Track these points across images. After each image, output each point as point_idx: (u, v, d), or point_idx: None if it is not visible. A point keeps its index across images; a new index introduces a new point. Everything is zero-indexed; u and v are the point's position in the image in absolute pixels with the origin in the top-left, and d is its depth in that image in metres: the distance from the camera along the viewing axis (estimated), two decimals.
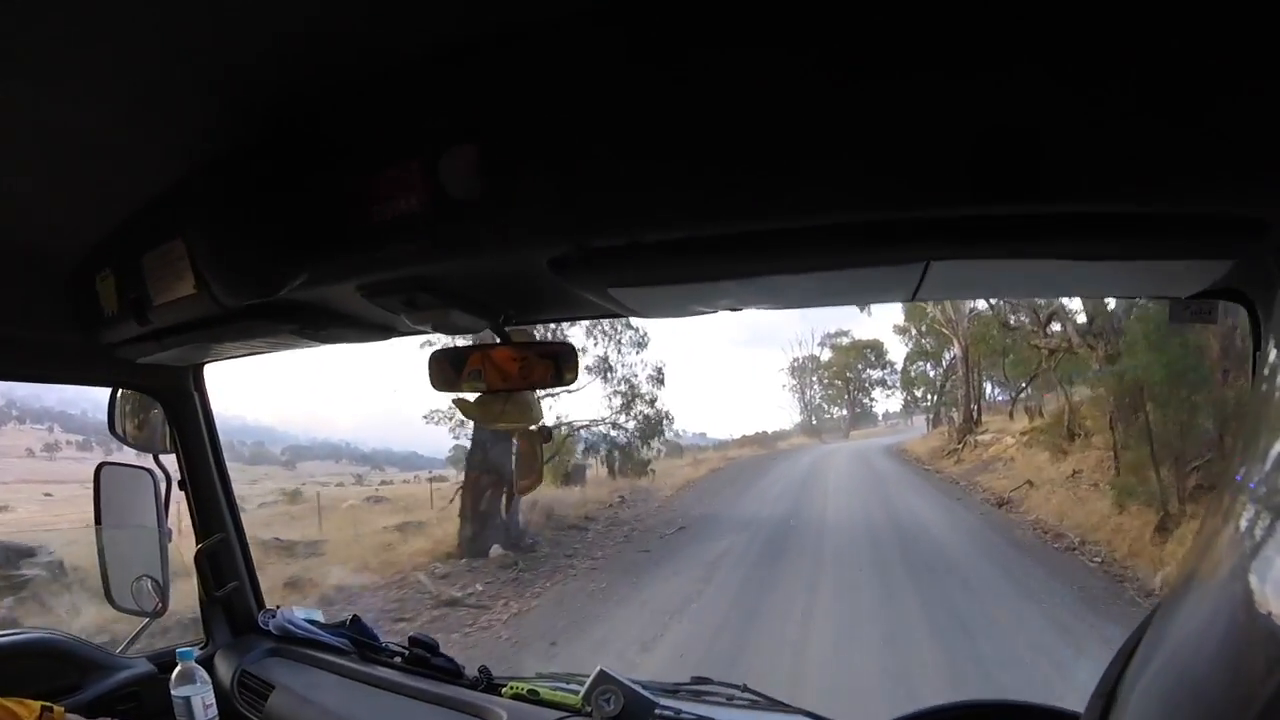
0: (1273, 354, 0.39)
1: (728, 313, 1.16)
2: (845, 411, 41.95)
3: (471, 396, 1.16)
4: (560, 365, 1.15)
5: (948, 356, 25.02)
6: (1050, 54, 0.67)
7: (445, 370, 1.17)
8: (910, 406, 31.49)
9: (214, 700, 1.57)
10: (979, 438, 19.81)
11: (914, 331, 25.92)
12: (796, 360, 42.33)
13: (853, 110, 0.71)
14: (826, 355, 40.89)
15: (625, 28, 0.76)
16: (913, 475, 18.61)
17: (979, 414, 22.80)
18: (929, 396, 27.80)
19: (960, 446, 19.56)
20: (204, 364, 1.90)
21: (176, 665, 1.54)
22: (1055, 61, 0.66)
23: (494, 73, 0.83)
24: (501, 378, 1.15)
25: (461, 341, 1.20)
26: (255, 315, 1.21)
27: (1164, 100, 0.66)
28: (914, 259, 0.86)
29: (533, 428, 1.19)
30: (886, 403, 41.15)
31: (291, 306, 1.18)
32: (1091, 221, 0.73)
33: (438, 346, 1.18)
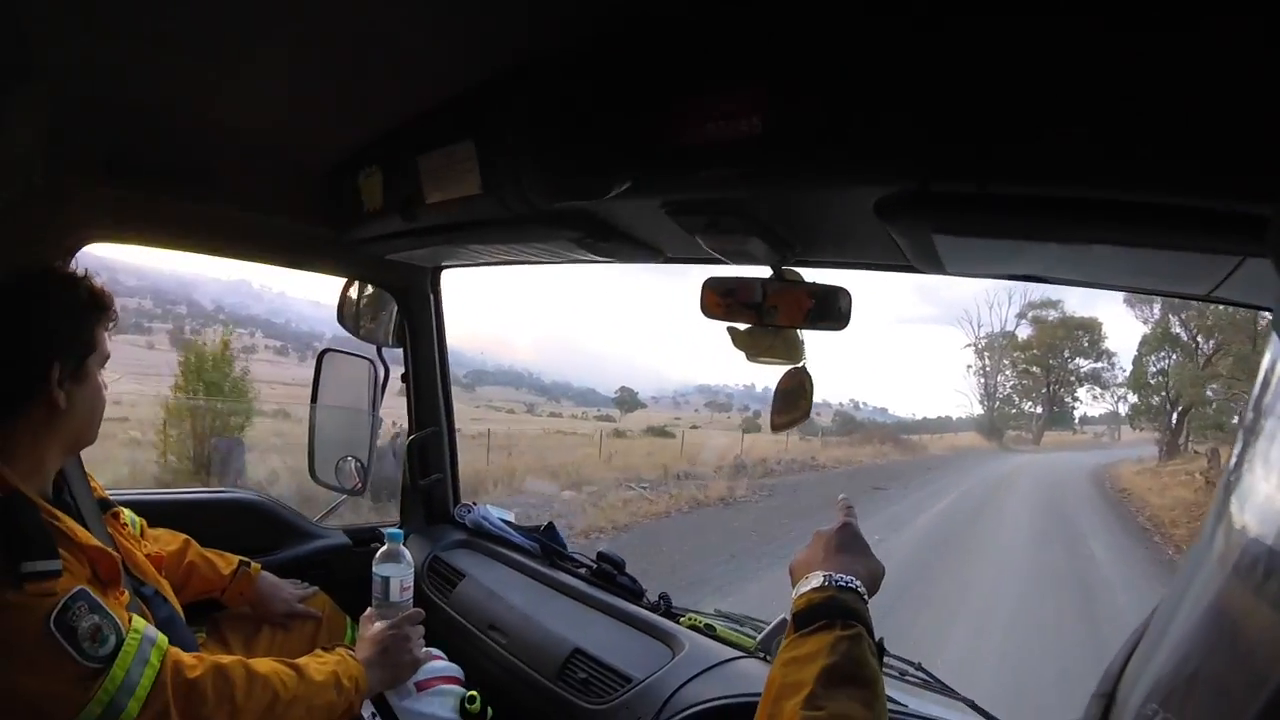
0: None
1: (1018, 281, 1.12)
2: (1040, 409, 32.39)
3: (743, 326, 1.18)
4: (834, 308, 1.15)
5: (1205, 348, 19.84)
6: None
7: (720, 299, 1.19)
8: (1139, 416, 24.16)
9: (412, 584, 1.64)
10: None
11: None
12: (983, 335, 33.09)
13: (1191, 93, 0.67)
14: (1025, 332, 32.05)
15: None
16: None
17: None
18: (1167, 407, 21.83)
19: None
20: (445, 267, 2.03)
21: (381, 543, 1.64)
22: None
23: (848, 9, 0.82)
24: (776, 315, 1.16)
25: (737, 271, 1.21)
26: (540, 221, 1.26)
27: None
28: (1231, 251, 0.81)
29: (797, 365, 1.20)
30: (1092, 405, 33.26)
31: (581, 215, 1.22)
32: None
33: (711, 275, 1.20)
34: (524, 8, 1.00)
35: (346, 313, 2.17)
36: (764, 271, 1.19)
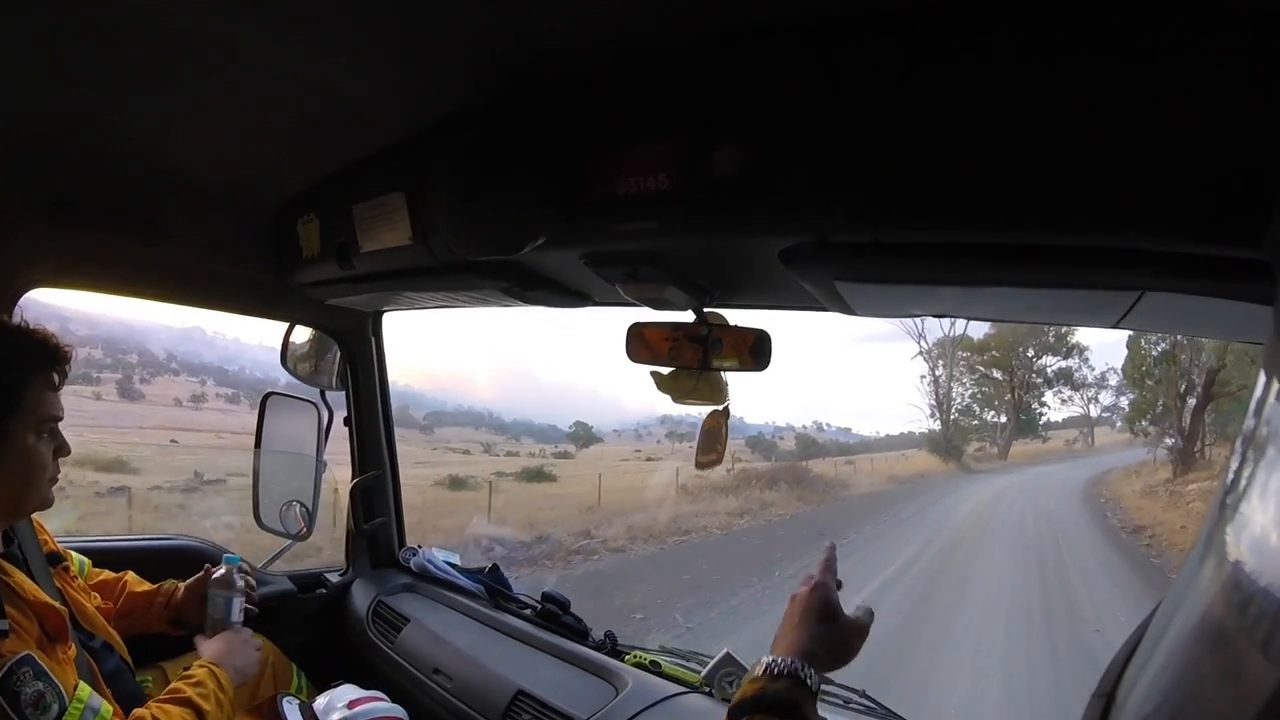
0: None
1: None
2: (1004, 418, 27.83)
3: (666, 371, 1.22)
4: (755, 351, 1.19)
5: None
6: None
7: (644, 344, 1.23)
8: (1141, 415, 19.99)
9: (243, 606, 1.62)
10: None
11: None
12: (933, 340, 27.55)
13: (1089, 133, 0.72)
14: (983, 330, 27.25)
15: (896, 36, 0.79)
16: None
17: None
18: (1176, 403, 17.71)
19: None
20: (385, 311, 2.04)
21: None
22: None
23: (755, 64, 0.87)
24: (698, 358, 1.20)
25: (663, 317, 1.25)
26: (467, 270, 1.29)
27: None
28: (1130, 287, 0.86)
29: (719, 407, 1.24)
30: (1060, 409, 29.10)
31: (506, 265, 1.26)
32: None
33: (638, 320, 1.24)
34: (449, 64, 1.04)
35: (290, 357, 2.16)
36: (686, 316, 1.24)
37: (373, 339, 2.09)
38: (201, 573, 1.62)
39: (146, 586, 1.66)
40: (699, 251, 1.07)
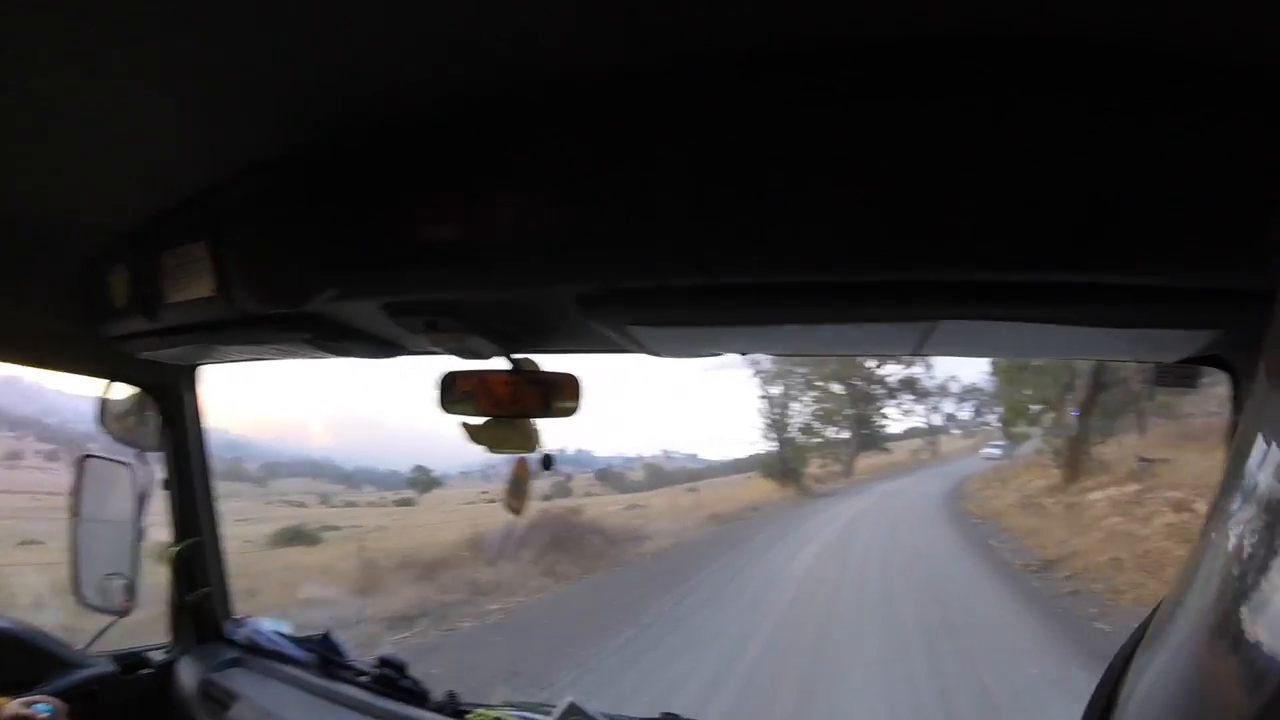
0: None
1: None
2: (848, 434, 26.18)
3: (478, 421, 1.21)
4: (565, 395, 1.20)
5: None
6: (1081, 130, 0.72)
7: (456, 393, 1.22)
8: (1018, 418, 18.08)
9: None
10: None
11: None
12: (769, 359, 23.73)
13: (870, 171, 0.76)
14: None
15: (662, 80, 0.81)
16: None
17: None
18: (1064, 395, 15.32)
19: None
20: (201, 365, 1.92)
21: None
22: (1088, 139, 0.72)
23: (534, 118, 0.89)
24: (512, 406, 1.20)
25: (473, 365, 1.24)
26: (270, 323, 1.24)
27: (1165, 174, 0.73)
28: (922, 318, 0.91)
29: (531, 455, 1.24)
30: (901, 420, 29.97)
31: (308, 317, 1.22)
32: (1099, 291, 0.79)
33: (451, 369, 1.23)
34: (254, 111, 0.99)
35: (107, 415, 1.99)
36: (503, 362, 1.24)
37: (189, 395, 1.96)
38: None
39: None
40: (496, 300, 1.07)
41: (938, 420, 29.98)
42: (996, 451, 24.49)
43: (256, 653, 1.90)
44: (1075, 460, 14.59)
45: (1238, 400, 1.26)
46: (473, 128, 0.94)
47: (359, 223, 1.00)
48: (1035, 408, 17.53)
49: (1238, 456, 0.38)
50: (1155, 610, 0.51)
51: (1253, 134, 0.71)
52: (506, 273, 0.93)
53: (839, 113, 0.76)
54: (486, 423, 1.21)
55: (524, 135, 0.91)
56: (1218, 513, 0.40)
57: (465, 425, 1.21)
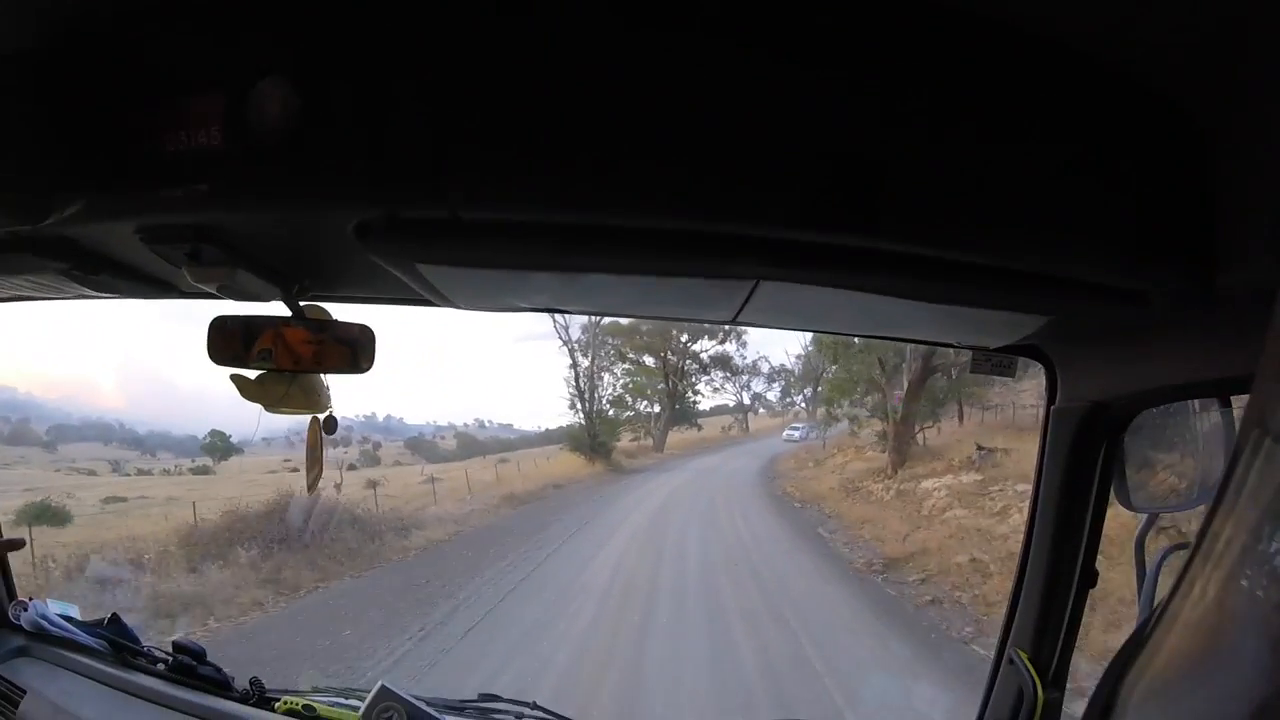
0: None
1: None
2: (657, 408, 25.47)
3: (252, 374, 1.08)
4: (357, 351, 1.09)
5: None
6: (902, 95, 0.71)
7: (230, 342, 1.08)
8: (841, 394, 17.40)
9: None
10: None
11: None
12: (580, 327, 23.79)
13: (697, 115, 0.71)
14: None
15: None
16: None
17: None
18: (878, 375, 15.03)
19: None
20: None
21: None
22: (907, 103, 0.71)
23: (319, 7, 0.78)
24: (293, 360, 1.08)
25: (251, 311, 1.11)
26: (20, 248, 1.07)
27: (1000, 157, 0.73)
28: (744, 276, 0.86)
29: (319, 416, 1.12)
30: (713, 397, 29.24)
31: (64, 244, 1.06)
32: (921, 263, 0.77)
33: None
34: None
35: None
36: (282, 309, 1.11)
37: None
38: None
39: None
40: (265, 226, 0.94)
41: (746, 399, 30.56)
42: (797, 434, 25.01)
43: (44, 640, 1.70)
44: (902, 445, 13.98)
45: (1052, 391, 1.29)
46: (230, 19, 0.81)
47: (105, 126, 0.85)
48: (859, 387, 16.82)
49: (1239, 458, 0.37)
50: (1155, 609, 0.50)
51: (1101, 133, 0.73)
52: (270, 187, 0.81)
53: (665, 43, 0.70)
54: (262, 377, 1.08)
55: (292, 27, 0.78)
56: (1219, 512, 0.39)
57: (236, 379, 1.08)
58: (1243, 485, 0.36)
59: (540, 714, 1.50)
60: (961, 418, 16.35)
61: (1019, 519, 8.11)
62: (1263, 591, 0.34)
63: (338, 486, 13.99)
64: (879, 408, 15.76)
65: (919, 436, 14.72)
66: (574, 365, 23.48)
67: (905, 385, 14.30)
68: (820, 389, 21.28)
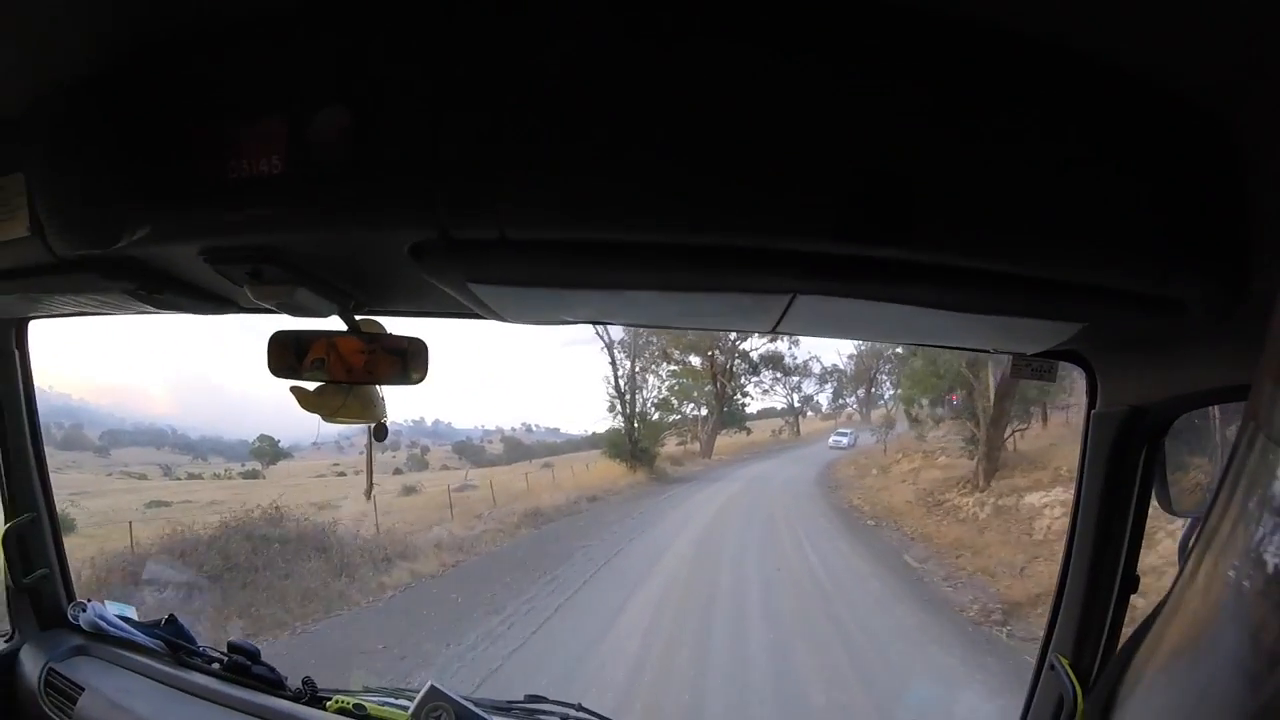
0: None
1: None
2: (704, 410, 24.01)
3: (311, 386, 1.12)
4: (408, 362, 1.13)
5: None
6: (935, 107, 0.72)
7: (286, 355, 1.12)
8: (922, 389, 15.23)
9: None
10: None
11: None
12: (615, 335, 21.71)
13: (733, 134, 0.72)
14: None
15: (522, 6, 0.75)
16: None
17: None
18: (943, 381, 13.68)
19: None
20: (28, 320, 1.73)
21: None
22: (940, 116, 0.72)
23: (373, 36, 0.80)
24: (345, 370, 1.11)
25: (307, 325, 1.15)
26: (88, 268, 1.11)
27: (1034, 168, 0.74)
28: (781, 290, 0.88)
29: (372, 425, 1.16)
30: (761, 400, 27.62)
31: (129, 264, 1.10)
32: (956, 274, 0.78)
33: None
34: (57, 28, 0.87)
35: None
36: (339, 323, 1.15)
37: (15, 354, 1.76)
38: None
39: None
40: (324, 247, 0.97)
41: (796, 401, 28.83)
42: (844, 440, 22.96)
43: (102, 640, 1.76)
44: (993, 452, 11.95)
45: (1093, 395, 1.29)
46: (293, 49, 0.84)
47: (173, 153, 0.88)
48: (944, 383, 14.50)
49: (1240, 459, 0.38)
50: (1155, 609, 0.50)
51: (1134, 142, 0.73)
52: (332, 211, 0.84)
53: (688, 57, 0.72)
54: (321, 389, 1.12)
55: (351, 58, 0.81)
56: (1216, 505, 0.40)
57: (297, 390, 1.12)
58: (1238, 478, 0.37)
59: (585, 715, 1.52)
60: (1045, 419, 14.06)
61: (1169, 545, 6.63)
62: (1248, 581, 0.35)
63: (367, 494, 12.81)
64: (963, 408, 13.67)
65: (1010, 441, 12.60)
66: (613, 363, 22.15)
67: (991, 382, 12.34)
68: (896, 386, 19.27)
